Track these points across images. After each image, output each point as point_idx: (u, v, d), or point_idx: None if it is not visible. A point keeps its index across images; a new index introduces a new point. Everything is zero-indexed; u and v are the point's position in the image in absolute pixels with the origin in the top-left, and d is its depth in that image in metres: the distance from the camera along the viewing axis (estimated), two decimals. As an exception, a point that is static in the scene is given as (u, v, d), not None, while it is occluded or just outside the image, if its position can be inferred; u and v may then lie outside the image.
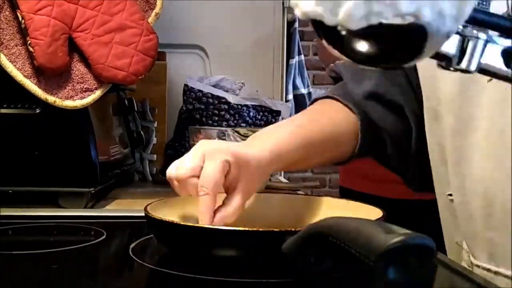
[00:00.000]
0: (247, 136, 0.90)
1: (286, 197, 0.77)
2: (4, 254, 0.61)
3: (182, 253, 0.58)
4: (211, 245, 0.54)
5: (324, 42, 0.35)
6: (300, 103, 1.82)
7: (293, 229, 0.50)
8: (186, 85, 1.28)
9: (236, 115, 1.26)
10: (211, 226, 0.56)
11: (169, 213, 0.60)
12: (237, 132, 1.24)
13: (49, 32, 0.83)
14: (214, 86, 1.31)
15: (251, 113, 1.27)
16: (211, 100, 1.26)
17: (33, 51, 0.82)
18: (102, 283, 0.58)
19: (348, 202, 0.69)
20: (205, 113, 1.25)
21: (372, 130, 0.72)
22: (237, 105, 1.27)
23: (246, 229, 0.56)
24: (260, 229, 0.53)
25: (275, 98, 1.43)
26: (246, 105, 1.27)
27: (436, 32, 0.32)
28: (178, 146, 1.28)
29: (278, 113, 1.29)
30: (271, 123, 1.28)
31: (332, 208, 0.66)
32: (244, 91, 1.31)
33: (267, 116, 1.28)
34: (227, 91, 1.30)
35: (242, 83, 1.32)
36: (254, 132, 0.85)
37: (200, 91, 1.26)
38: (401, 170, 0.75)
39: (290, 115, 1.37)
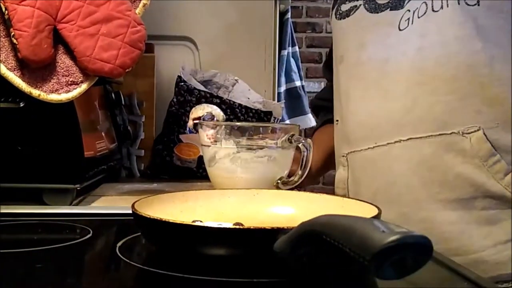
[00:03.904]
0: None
1: (278, 194, 0.75)
2: (-14, 253, 0.59)
3: (171, 251, 0.56)
4: (201, 243, 0.52)
5: None
6: (294, 96, 1.80)
7: (285, 227, 0.49)
8: (179, 77, 1.26)
9: (228, 110, 1.24)
10: (201, 224, 0.54)
11: (157, 210, 0.59)
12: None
13: (33, 24, 0.81)
14: (207, 81, 1.29)
15: (243, 110, 1.26)
16: (203, 93, 1.24)
17: (16, 43, 0.80)
18: (88, 282, 0.56)
19: (343, 199, 0.68)
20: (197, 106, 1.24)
21: None
22: (229, 100, 1.25)
23: (237, 227, 0.55)
24: (251, 227, 0.52)
25: (266, 91, 1.42)
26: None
27: None
28: (167, 141, 1.26)
29: (270, 113, 1.28)
30: (263, 121, 1.28)
31: (326, 206, 0.65)
32: (237, 88, 1.30)
33: (259, 113, 1.27)
34: (219, 88, 1.28)
35: (236, 80, 1.30)
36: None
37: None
38: None
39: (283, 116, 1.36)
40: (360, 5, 0.89)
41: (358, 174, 0.89)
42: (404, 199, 0.82)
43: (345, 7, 0.92)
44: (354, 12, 0.90)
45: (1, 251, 0.61)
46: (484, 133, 0.77)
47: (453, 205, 0.79)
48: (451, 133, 0.78)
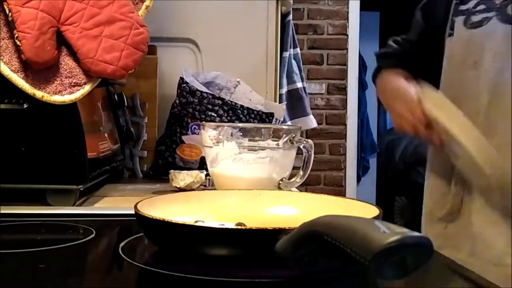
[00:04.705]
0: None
1: (280, 194, 0.75)
2: (-10, 253, 0.60)
3: (173, 251, 0.56)
4: (202, 243, 0.52)
5: None
6: (296, 98, 1.80)
7: (287, 228, 0.49)
8: (181, 78, 1.26)
9: (230, 111, 1.24)
10: (203, 225, 0.55)
11: (160, 211, 0.59)
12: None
13: (36, 25, 0.81)
14: (209, 82, 1.30)
15: (245, 111, 1.26)
16: (205, 95, 1.24)
17: (20, 44, 0.80)
18: (91, 282, 0.56)
19: (344, 199, 0.68)
20: (199, 107, 1.24)
21: None
22: (231, 101, 1.26)
23: (239, 227, 0.55)
24: (253, 228, 0.52)
25: (268, 93, 1.42)
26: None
27: None
28: (169, 142, 1.26)
29: (272, 114, 1.28)
30: (265, 122, 1.28)
31: (327, 206, 0.65)
32: (239, 89, 1.30)
33: (261, 115, 1.27)
34: (221, 89, 1.29)
35: (238, 81, 1.31)
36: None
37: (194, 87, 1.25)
38: None
39: (284, 117, 1.36)
40: (493, 16, 0.91)
41: None
42: None
43: (476, 18, 0.94)
44: (487, 22, 0.92)
45: (5, 251, 0.61)
46: None
47: None
48: None
